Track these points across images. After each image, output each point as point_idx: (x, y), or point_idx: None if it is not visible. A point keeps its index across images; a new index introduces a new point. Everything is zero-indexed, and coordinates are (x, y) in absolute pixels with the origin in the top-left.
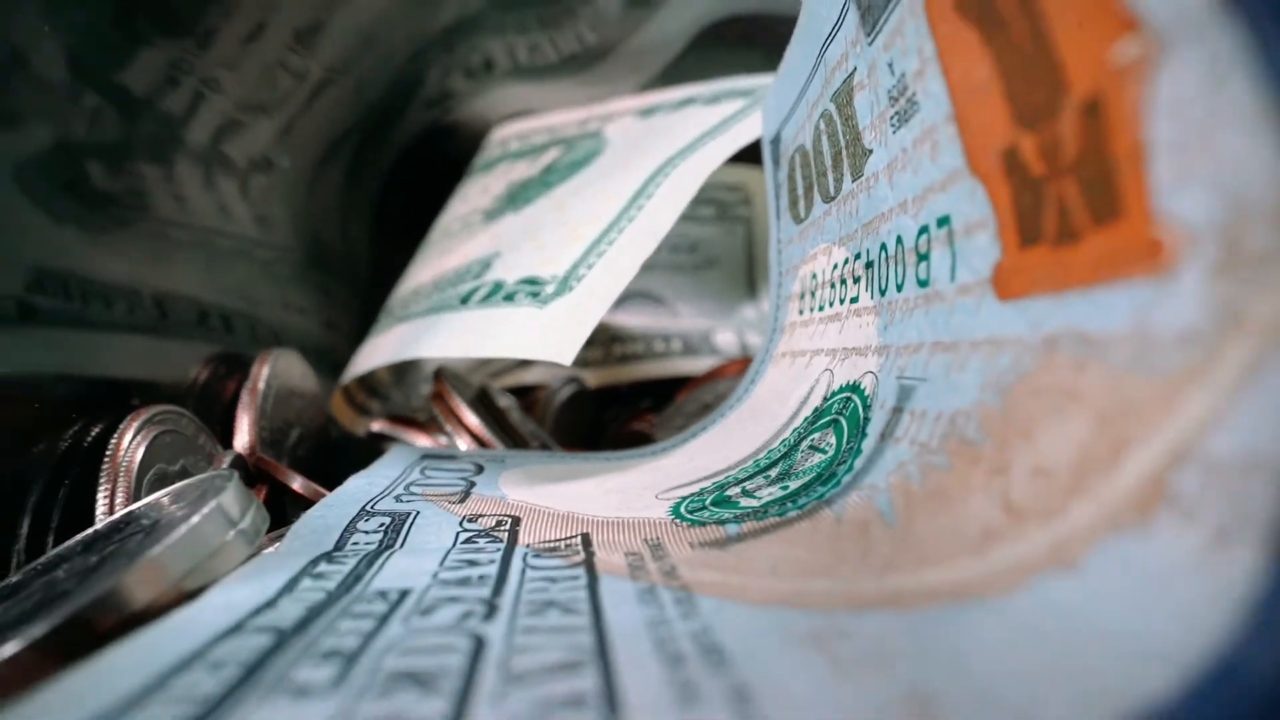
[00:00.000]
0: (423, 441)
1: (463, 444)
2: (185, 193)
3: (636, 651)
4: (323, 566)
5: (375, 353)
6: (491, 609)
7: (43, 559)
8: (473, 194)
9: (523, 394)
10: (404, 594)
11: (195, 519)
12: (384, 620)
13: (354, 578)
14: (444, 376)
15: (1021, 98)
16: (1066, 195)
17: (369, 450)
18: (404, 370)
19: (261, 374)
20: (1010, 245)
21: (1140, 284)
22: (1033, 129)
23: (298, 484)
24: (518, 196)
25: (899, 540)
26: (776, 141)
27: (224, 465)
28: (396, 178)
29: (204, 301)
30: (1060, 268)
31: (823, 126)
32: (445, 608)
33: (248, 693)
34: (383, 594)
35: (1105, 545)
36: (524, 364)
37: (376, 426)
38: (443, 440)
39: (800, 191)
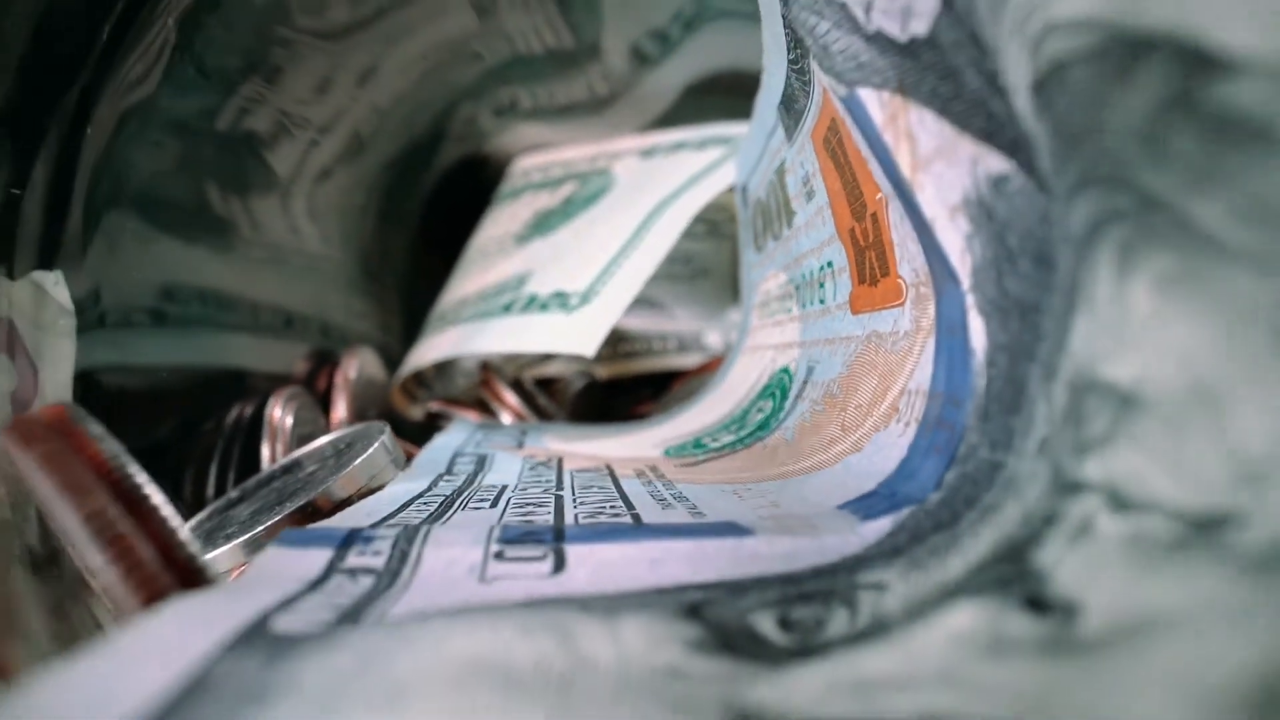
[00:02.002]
0: (472, 417)
1: (505, 419)
2: (262, 218)
3: (641, 498)
4: (444, 479)
5: (432, 350)
6: (559, 486)
7: (245, 484)
8: (502, 219)
9: (545, 385)
10: (505, 486)
11: (372, 449)
12: (499, 495)
13: (468, 481)
14: (489, 368)
15: (853, 203)
16: (871, 260)
17: (424, 430)
18: (444, 366)
19: (351, 365)
20: (855, 282)
21: (895, 308)
22: (859, 221)
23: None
24: (543, 224)
25: (791, 450)
26: (745, 190)
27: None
28: (433, 201)
29: (288, 308)
30: (872, 298)
31: (772, 187)
32: (532, 487)
33: (445, 512)
34: (492, 486)
35: (874, 437)
36: (546, 359)
37: (435, 406)
38: (488, 417)
39: (760, 229)
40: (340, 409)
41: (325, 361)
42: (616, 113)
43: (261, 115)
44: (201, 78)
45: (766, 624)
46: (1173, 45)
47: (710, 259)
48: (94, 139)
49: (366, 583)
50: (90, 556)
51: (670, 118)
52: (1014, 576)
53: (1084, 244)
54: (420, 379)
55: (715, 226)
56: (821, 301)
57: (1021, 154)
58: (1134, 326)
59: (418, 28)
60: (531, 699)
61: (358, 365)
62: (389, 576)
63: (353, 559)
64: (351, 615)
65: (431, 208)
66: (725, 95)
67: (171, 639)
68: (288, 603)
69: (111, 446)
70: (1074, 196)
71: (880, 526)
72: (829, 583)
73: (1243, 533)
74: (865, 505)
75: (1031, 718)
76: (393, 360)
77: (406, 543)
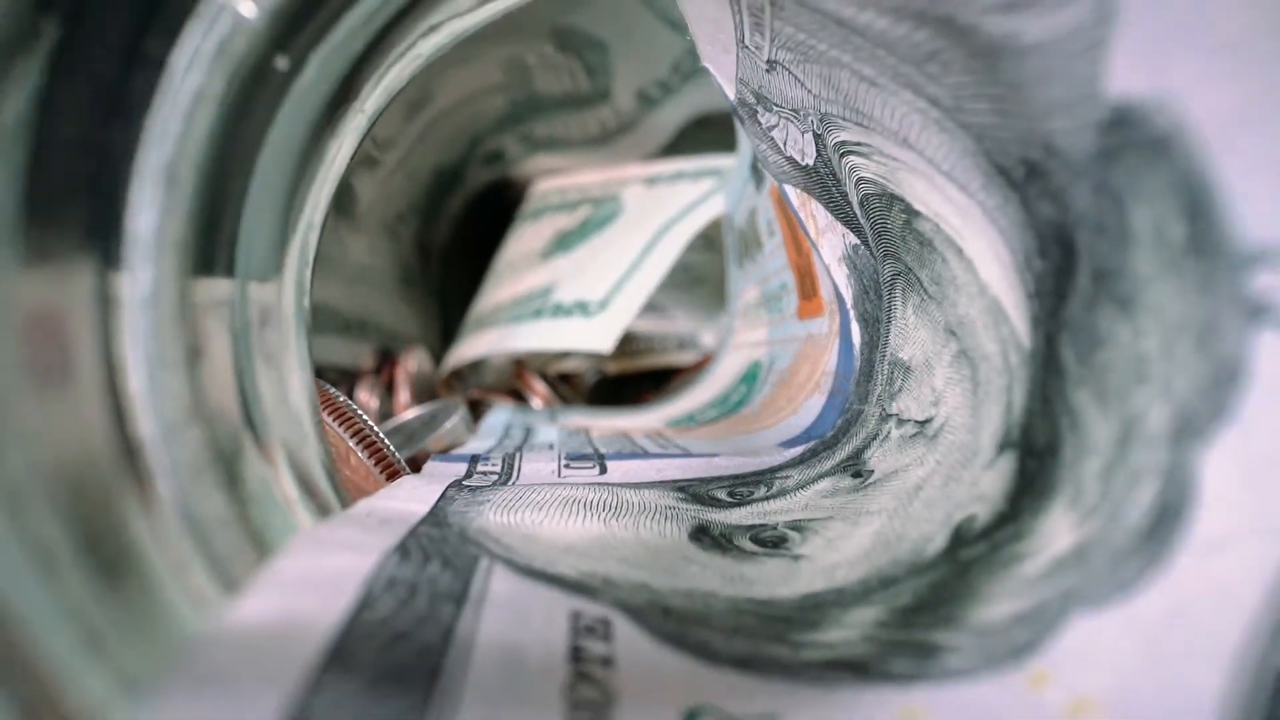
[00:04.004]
0: (507, 403)
1: (536, 404)
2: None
3: (649, 444)
4: (505, 440)
5: (474, 348)
6: (590, 443)
7: None
8: (526, 236)
9: (564, 378)
10: (552, 443)
11: (455, 418)
12: (551, 445)
13: (523, 442)
14: (522, 362)
15: (793, 245)
16: (807, 284)
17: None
18: (477, 362)
19: (411, 360)
20: (800, 298)
21: (820, 318)
22: (799, 257)
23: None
24: (564, 243)
25: (755, 417)
26: (730, 219)
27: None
28: (463, 219)
29: (343, 312)
30: (808, 309)
31: (748, 221)
32: (571, 442)
33: (518, 460)
34: (543, 443)
35: (805, 404)
36: (566, 355)
37: (475, 395)
38: (520, 403)
39: (741, 252)
40: (404, 395)
41: (385, 358)
42: (623, 144)
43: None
44: None
45: (721, 493)
46: (902, 204)
47: (706, 269)
48: None
49: (492, 477)
50: (360, 457)
51: (669, 149)
52: (851, 464)
53: (889, 286)
54: (458, 372)
55: (710, 241)
56: (781, 311)
57: (861, 235)
58: (908, 330)
59: (463, 78)
60: (598, 511)
61: (416, 360)
62: (504, 476)
63: (480, 467)
64: (496, 485)
65: (461, 224)
66: (716, 130)
67: (420, 489)
68: (460, 479)
69: (347, 401)
70: (882, 262)
71: (794, 452)
72: (758, 476)
73: (933, 427)
74: (790, 441)
75: (840, 514)
76: (434, 357)
77: (510, 459)
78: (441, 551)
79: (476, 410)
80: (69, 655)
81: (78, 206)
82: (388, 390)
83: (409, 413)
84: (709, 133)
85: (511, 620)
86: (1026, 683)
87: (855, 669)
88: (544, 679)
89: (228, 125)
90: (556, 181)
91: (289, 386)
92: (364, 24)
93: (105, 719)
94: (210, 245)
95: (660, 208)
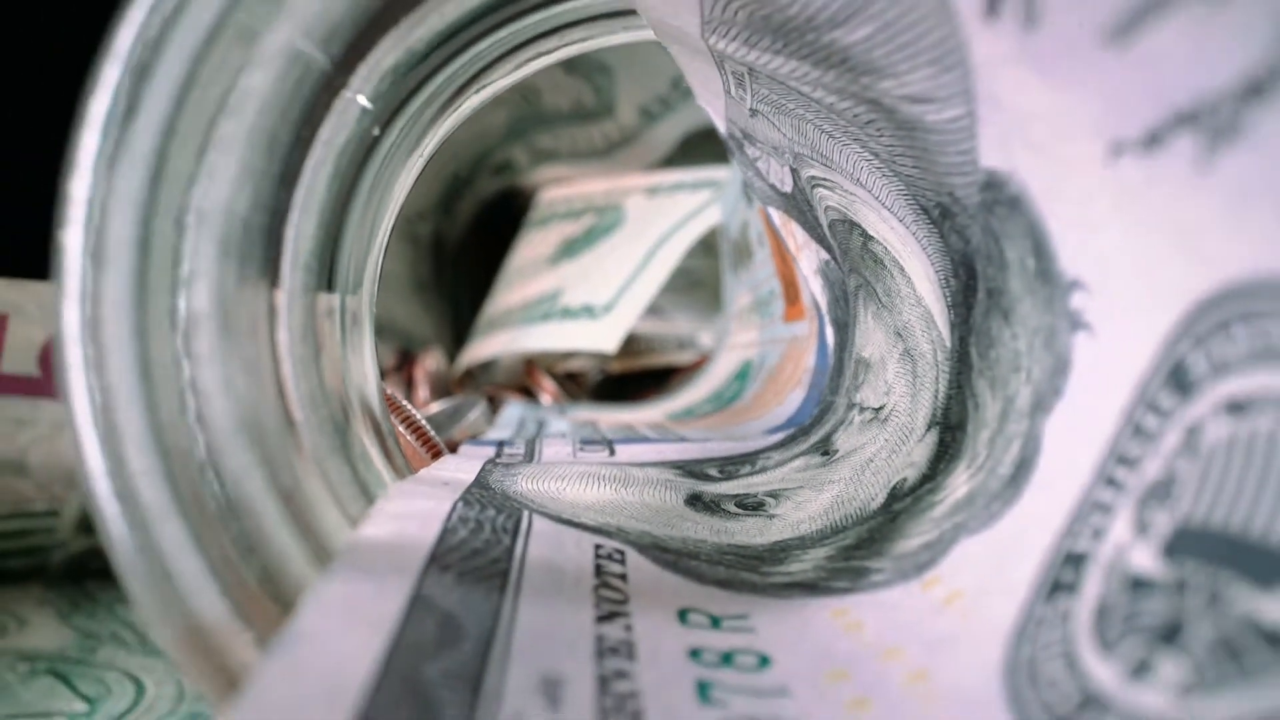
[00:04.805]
0: (517, 399)
1: (545, 400)
2: None
3: (649, 432)
4: (522, 431)
5: (487, 348)
6: (599, 432)
7: None
8: (534, 242)
9: (570, 377)
10: (564, 432)
11: (477, 411)
12: (564, 434)
13: (538, 433)
14: (533, 361)
15: (779, 255)
16: (790, 289)
17: None
18: (487, 362)
19: (429, 359)
20: (786, 303)
21: (802, 321)
22: (784, 266)
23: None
24: (570, 250)
25: (747, 410)
26: (726, 229)
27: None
28: (473, 225)
29: None
30: (793, 314)
31: (741, 232)
32: (581, 431)
33: (539, 444)
34: (557, 432)
35: (788, 396)
36: (572, 355)
37: (488, 391)
38: (529, 399)
39: (735, 259)
40: (423, 391)
41: (405, 357)
42: (625, 155)
43: None
44: None
45: (713, 470)
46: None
47: (704, 273)
48: None
49: (518, 458)
50: (408, 439)
51: (669, 160)
52: (821, 445)
53: (854, 296)
54: (470, 371)
55: (709, 246)
56: (770, 314)
57: (831, 252)
58: (868, 333)
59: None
60: (609, 483)
61: (433, 359)
62: (528, 457)
63: (507, 450)
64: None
65: (472, 231)
66: (712, 143)
67: (463, 464)
68: (492, 459)
69: (393, 393)
70: (848, 275)
71: (777, 437)
72: (745, 457)
73: (884, 413)
74: (774, 429)
75: (808, 484)
76: (448, 356)
77: (530, 444)
78: (493, 502)
79: (491, 405)
80: (286, 542)
81: (270, 247)
82: (408, 387)
83: (434, 406)
84: (706, 145)
85: (551, 547)
86: (921, 587)
87: (806, 587)
88: (577, 584)
89: (339, 186)
90: (562, 190)
91: (367, 374)
92: (435, 96)
93: (308, 584)
94: (325, 269)
95: (661, 217)
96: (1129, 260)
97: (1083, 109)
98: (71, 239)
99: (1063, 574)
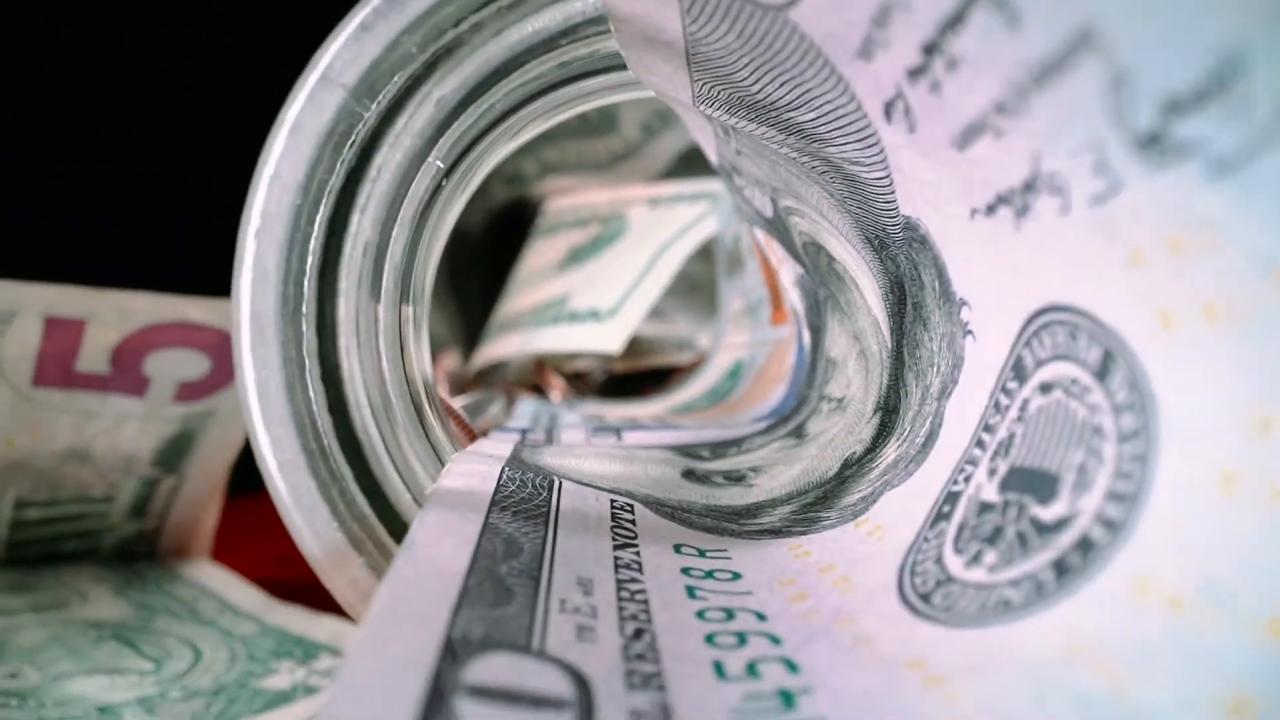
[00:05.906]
0: (529, 397)
1: (555, 397)
2: None
3: (651, 423)
4: (538, 422)
5: (499, 349)
6: (609, 423)
7: None
8: (543, 249)
9: (575, 376)
10: (577, 423)
11: (497, 406)
12: (577, 424)
13: (553, 423)
14: (543, 361)
15: (769, 270)
16: (775, 296)
17: None
18: (499, 363)
19: (448, 360)
20: (773, 308)
21: (785, 325)
22: (770, 275)
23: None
24: (577, 257)
25: (738, 404)
26: (721, 239)
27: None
28: (484, 232)
29: None
30: (778, 318)
31: (735, 243)
32: (593, 421)
33: (556, 431)
34: (570, 421)
35: (774, 390)
36: (577, 356)
37: (501, 388)
38: (539, 396)
39: (730, 267)
40: (442, 389)
41: None
42: (628, 168)
43: None
44: None
45: (705, 452)
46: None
47: (702, 277)
48: None
49: (540, 442)
50: (452, 425)
51: (670, 172)
52: (796, 430)
53: (823, 305)
54: (482, 371)
55: (708, 252)
56: (760, 318)
57: (805, 267)
58: (834, 337)
59: None
60: (618, 461)
61: (452, 359)
62: (547, 443)
63: (529, 437)
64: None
65: (483, 238)
66: None
67: (498, 445)
68: (519, 443)
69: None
70: (819, 287)
71: (761, 425)
72: (733, 441)
73: (845, 402)
74: (760, 419)
75: (783, 460)
76: (462, 356)
77: (549, 432)
78: (531, 467)
79: (507, 401)
80: (398, 485)
81: (377, 273)
82: None
83: (456, 401)
84: (703, 159)
85: (577, 499)
86: (854, 526)
87: (773, 532)
88: (599, 524)
89: (418, 223)
90: (569, 200)
91: (426, 368)
92: (485, 151)
93: (412, 516)
94: (403, 286)
95: (662, 227)
96: (990, 287)
97: (949, 185)
98: (245, 280)
99: (943, 508)
